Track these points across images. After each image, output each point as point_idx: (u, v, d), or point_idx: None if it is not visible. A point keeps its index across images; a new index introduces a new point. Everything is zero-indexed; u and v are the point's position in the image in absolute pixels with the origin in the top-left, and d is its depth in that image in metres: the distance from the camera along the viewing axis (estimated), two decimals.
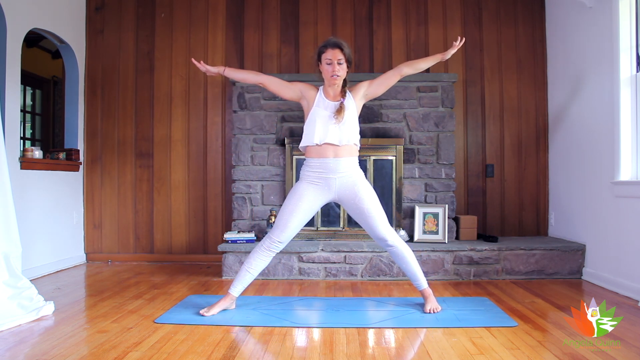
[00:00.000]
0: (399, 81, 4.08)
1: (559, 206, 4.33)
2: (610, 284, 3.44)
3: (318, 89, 2.88)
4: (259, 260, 2.87)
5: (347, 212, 2.95)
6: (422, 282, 2.93)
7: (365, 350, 2.27)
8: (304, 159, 2.93)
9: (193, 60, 2.96)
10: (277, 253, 3.81)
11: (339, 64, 2.77)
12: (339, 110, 2.79)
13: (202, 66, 2.89)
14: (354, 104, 2.86)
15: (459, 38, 2.92)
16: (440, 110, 4.17)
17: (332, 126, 2.79)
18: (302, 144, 2.89)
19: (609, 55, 3.45)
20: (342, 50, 2.78)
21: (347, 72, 2.84)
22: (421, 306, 2.94)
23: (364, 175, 2.91)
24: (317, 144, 2.80)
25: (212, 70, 2.90)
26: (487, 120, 4.57)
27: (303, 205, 2.82)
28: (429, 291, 2.93)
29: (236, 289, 2.86)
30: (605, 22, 3.50)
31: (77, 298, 3.28)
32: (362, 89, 2.91)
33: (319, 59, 2.84)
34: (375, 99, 4.12)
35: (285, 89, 2.90)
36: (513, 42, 4.57)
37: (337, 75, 2.78)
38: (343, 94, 2.86)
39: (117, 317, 2.76)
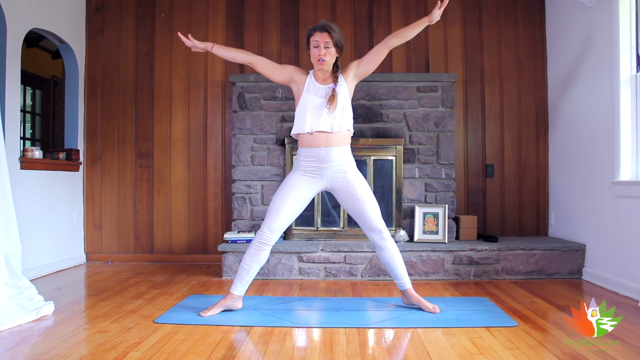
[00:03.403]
0: (399, 81, 4.14)
1: (559, 206, 4.33)
2: (610, 284, 3.44)
3: (308, 73, 2.84)
4: (252, 255, 2.81)
5: (341, 203, 2.90)
6: (407, 281, 2.92)
7: (365, 350, 2.27)
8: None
9: (179, 34, 2.88)
10: (277, 253, 3.81)
11: (326, 47, 2.72)
12: (331, 98, 2.73)
13: (190, 41, 2.83)
14: (346, 88, 2.81)
15: None
16: (440, 110, 4.17)
17: (324, 114, 2.74)
18: (293, 132, 2.85)
19: (609, 55, 3.45)
20: (329, 33, 2.71)
21: (337, 56, 2.78)
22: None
23: (355, 165, 2.88)
24: (308, 133, 2.77)
25: (200, 45, 2.84)
26: (487, 120, 4.57)
27: (295, 192, 2.79)
28: (412, 291, 2.91)
29: (236, 288, 2.83)
30: (605, 22, 3.50)
31: (77, 298, 3.28)
32: (352, 69, 2.85)
33: (308, 43, 2.79)
34: (375, 99, 4.14)
35: (276, 71, 2.85)
36: (513, 42, 4.57)
37: (323, 60, 2.72)
38: (334, 78, 2.80)
39: (117, 317, 2.76)
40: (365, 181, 2.87)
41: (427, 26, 4.48)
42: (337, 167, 2.80)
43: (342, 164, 2.81)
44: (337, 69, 2.82)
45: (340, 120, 2.76)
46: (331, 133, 2.76)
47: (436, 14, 2.74)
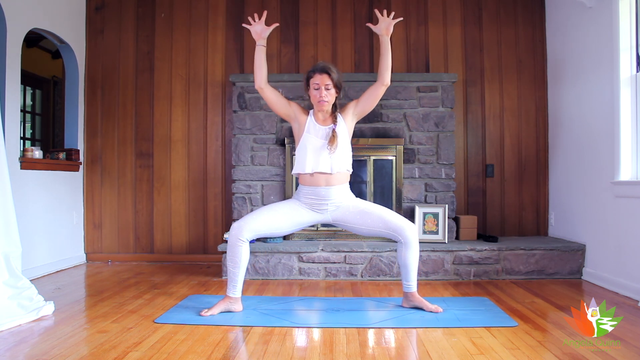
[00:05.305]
0: (399, 81, 4.14)
1: (559, 206, 4.33)
2: (610, 284, 3.44)
3: (309, 113, 2.89)
4: (231, 254, 2.80)
5: (356, 227, 2.89)
6: (415, 283, 2.94)
7: (365, 350, 2.27)
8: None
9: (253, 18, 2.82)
10: (277, 253, 3.81)
11: (327, 89, 2.77)
12: (332, 139, 2.79)
13: (268, 27, 2.78)
14: (345, 129, 2.87)
15: (385, 12, 2.85)
16: (440, 110, 4.17)
17: (324, 155, 2.80)
18: (294, 171, 2.90)
19: (609, 55, 3.45)
20: (329, 75, 2.77)
21: (337, 96, 2.84)
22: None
23: (355, 197, 2.96)
24: (309, 174, 2.82)
25: (265, 34, 2.78)
26: (487, 120, 4.57)
27: (288, 210, 2.85)
28: (416, 293, 2.93)
29: (229, 290, 2.83)
30: (605, 22, 3.50)
31: (77, 298, 3.28)
32: (350, 109, 2.91)
33: (308, 84, 2.83)
34: None
35: (281, 104, 2.87)
36: (513, 42, 4.57)
37: (325, 101, 2.78)
38: (334, 118, 2.85)
39: (117, 317, 2.76)
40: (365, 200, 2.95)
41: (427, 26, 4.57)
42: (336, 203, 2.86)
43: (341, 201, 2.87)
44: (336, 108, 2.87)
45: (340, 161, 2.82)
46: (331, 174, 2.81)
47: (382, 27, 2.81)
